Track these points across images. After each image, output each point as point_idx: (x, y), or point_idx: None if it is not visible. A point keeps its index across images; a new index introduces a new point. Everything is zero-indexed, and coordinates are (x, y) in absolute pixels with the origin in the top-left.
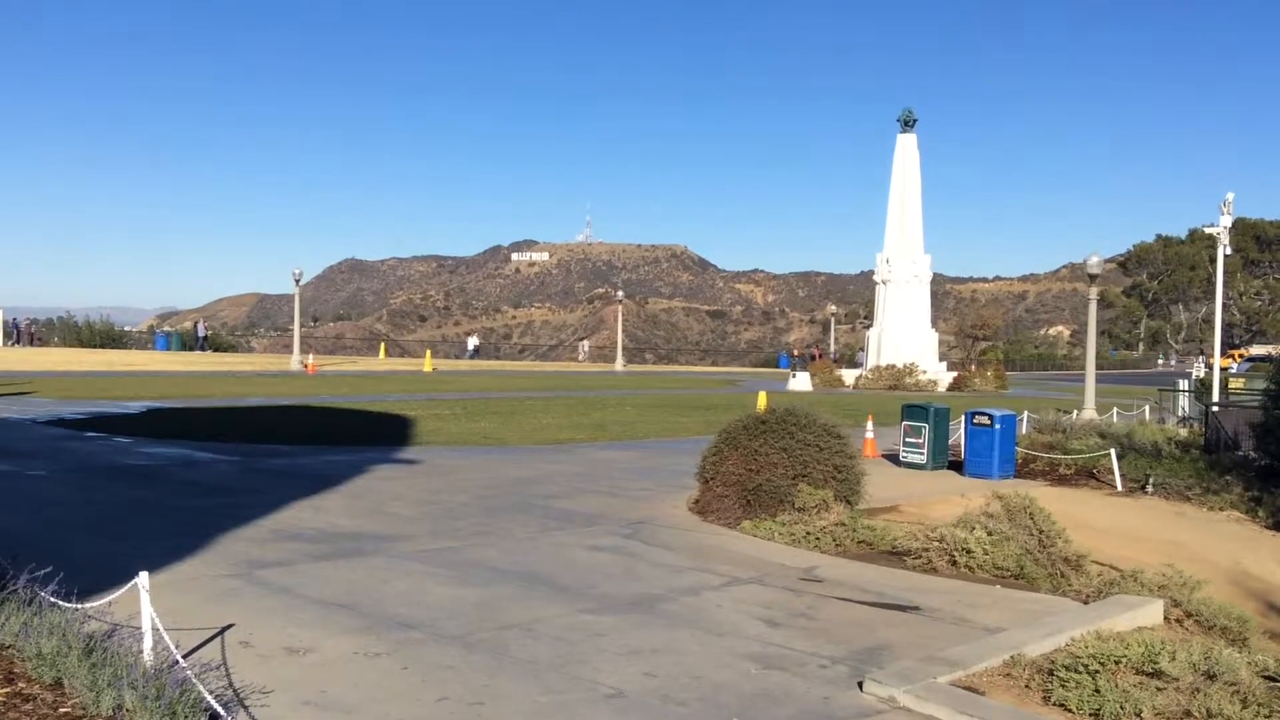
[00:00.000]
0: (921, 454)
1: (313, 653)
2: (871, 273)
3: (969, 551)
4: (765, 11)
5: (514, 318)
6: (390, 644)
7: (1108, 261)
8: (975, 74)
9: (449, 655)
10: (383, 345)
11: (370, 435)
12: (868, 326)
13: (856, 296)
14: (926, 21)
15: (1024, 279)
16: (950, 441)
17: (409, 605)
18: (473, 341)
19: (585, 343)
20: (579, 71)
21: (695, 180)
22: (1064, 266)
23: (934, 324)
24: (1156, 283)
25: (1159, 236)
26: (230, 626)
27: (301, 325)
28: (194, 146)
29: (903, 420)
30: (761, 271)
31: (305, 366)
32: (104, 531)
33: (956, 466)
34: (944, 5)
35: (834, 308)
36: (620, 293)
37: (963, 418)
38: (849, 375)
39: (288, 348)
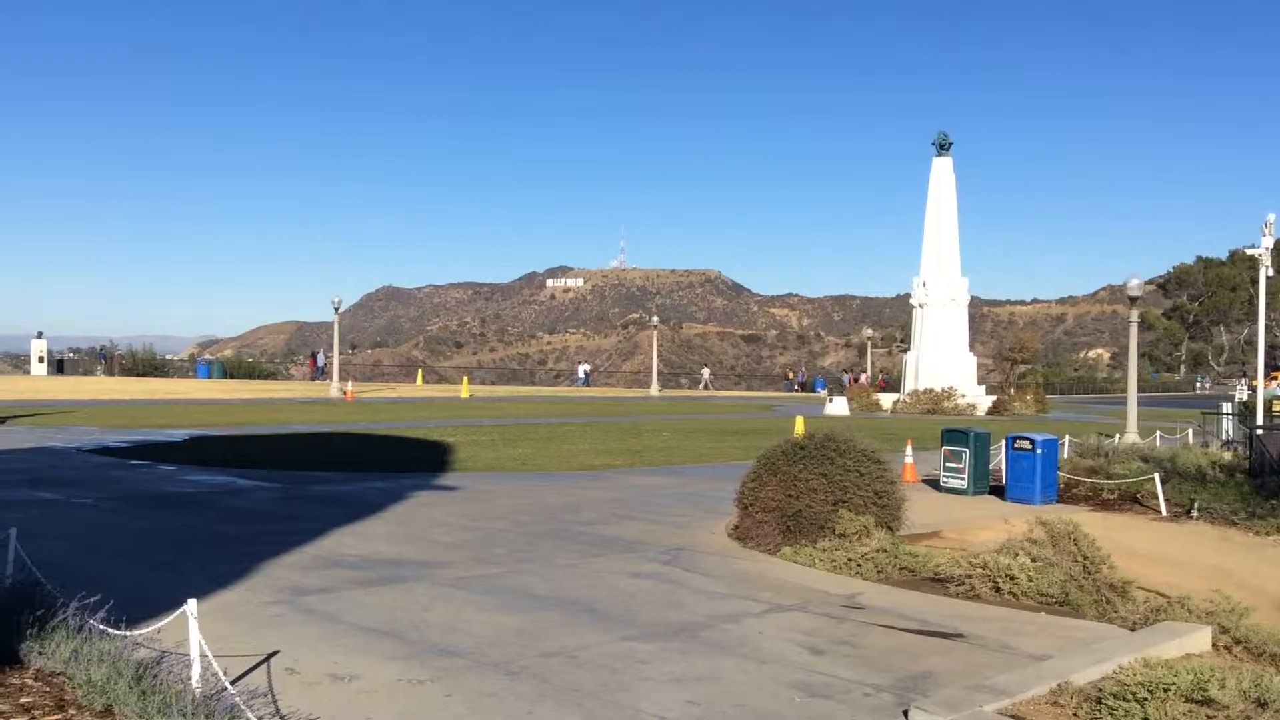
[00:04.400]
0: (962, 479)
1: (357, 679)
2: (908, 296)
3: (1013, 578)
4: (797, 34)
5: (549, 343)
6: (434, 671)
7: (1147, 283)
8: (1011, 95)
9: (492, 682)
10: (420, 371)
11: (409, 461)
12: (905, 350)
13: (893, 320)
14: (961, 43)
15: (1062, 301)
16: (991, 466)
17: (451, 632)
18: (584, 369)
19: (706, 370)
20: (612, 97)
21: (729, 205)
22: (1103, 289)
23: (971, 347)
24: (1197, 304)
25: (1199, 258)
26: (276, 653)
27: (340, 352)
28: (232, 175)
29: (943, 445)
30: (796, 295)
31: (344, 394)
32: (150, 559)
33: (998, 491)
34: (979, 27)
35: (870, 331)
36: (655, 318)
37: (1003, 442)
38: (886, 399)
39: (327, 375)
